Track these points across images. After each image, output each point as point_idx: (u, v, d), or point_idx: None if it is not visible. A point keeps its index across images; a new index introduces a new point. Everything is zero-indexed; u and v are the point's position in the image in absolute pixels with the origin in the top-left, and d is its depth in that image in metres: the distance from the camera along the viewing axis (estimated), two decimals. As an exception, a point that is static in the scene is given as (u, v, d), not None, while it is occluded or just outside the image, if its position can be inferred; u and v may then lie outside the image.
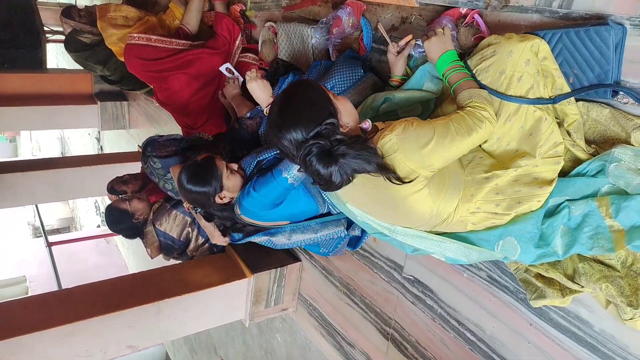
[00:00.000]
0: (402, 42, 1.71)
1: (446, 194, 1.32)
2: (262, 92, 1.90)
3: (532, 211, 1.33)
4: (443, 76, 1.45)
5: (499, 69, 1.32)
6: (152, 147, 2.40)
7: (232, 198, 1.91)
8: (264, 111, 1.90)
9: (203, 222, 2.13)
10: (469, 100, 1.32)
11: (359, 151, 1.19)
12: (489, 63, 1.34)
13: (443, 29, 1.48)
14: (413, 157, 1.22)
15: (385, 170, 1.21)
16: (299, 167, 1.27)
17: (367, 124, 1.32)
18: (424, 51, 1.61)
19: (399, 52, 1.71)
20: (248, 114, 2.24)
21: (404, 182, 1.22)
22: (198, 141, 2.49)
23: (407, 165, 1.22)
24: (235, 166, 1.93)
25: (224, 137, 2.59)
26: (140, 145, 2.52)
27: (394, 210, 1.35)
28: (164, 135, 2.51)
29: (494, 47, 1.34)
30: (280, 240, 2.00)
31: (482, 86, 1.37)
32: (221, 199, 1.88)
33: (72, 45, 3.55)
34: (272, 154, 1.91)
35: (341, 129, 1.25)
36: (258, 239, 2.03)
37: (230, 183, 1.88)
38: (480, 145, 1.43)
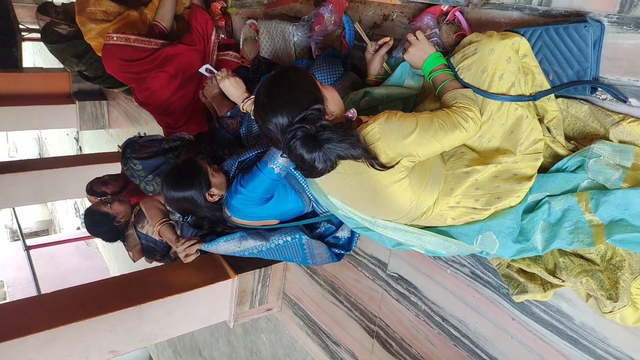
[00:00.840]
0: (380, 42, 1.70)
1: (426, 186, 1.33)
2: (235, 89, 1.88)
3: (511, 207, 1.34)
4: (429, 78, 1.47)
5: (481, 67, 1.33)
6: (132, 148, 2.36)
7: (221, 195, 1.88)
8: (241, 107, 1.88)
9: (175, 245, 2.04)
10: (454, 100, 1.34)
11: (343, 136, 1.19)
12: (471, 61, 1.35)
13: (416, 34, 1.49)
14: (394, 147, 1.23)
15: (370, 155, 1.21)
16: (282, 153, 1.27)
17: (352, 113, 1.32)
18: (400, 56, 1.64)
19: (375, 51, 1.71)
20: (228, 113, 2.21)
21: (386, 168, 1.22)
22: (179, 141, 2.45)
23: (387, 154, 1.23)
24: (216, 167, 1.90)
25: (205, 137, 2.56)
26: (120, 145, 2.47)
27: (374, 201, 1.35)
28: (143, 136, 2.46)
29: (476, 45, 1.35)
30: (229, 248, 1.95)
31: (464, 85, 1.37)
32: (211, 196, 1.85)
33: (48, 36, 3.46)
34: (253, 153, 1.90)
35: (327, 117, 1.24)
36: (216, 246, 1.98)
37: (217, 180, 1.85)
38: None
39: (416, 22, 1.68)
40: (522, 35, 1.35)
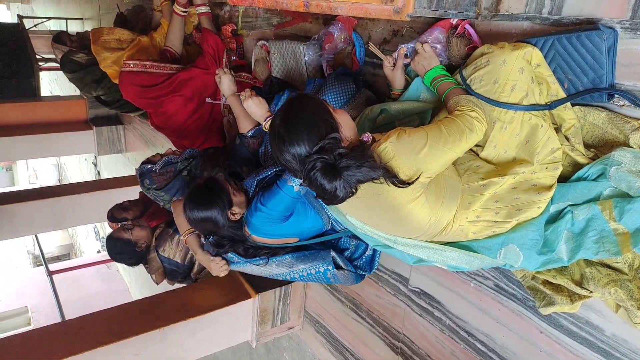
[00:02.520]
0: (395, 55, 1.72)
1: (444, 201, 1.32)
2: (258, 109, 1.90)
3: (533, 218, 1.32)
4: (432, 87, 1.51)
5: (493, 78, 1.33)
6: (150, 179, 2.38)
7: (242, 214, 1.89)
8: (264, 126, 1.90)
9: (199, 257, 2.08)
10: (457, 105, 1.35)
11: (361, 161, 1.20)
12: (483, 72, 1.35)
13: (423, 45, 1.53)
14: (409, 163, 1.23)
15: (390, 174, 1.21)
16: (301, 182, 1.27)
17: (367, 137, 1.32)
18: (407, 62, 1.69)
19: (394, 65, 1.72)
20: (251, 132, 2.23)
21: (407, 184, 1.22)
22: (191, 158, 2.47)
23: (404, 172, 1.23)
24: (236, 186, 1.92)
25: (222, 152, 2.57)
26: (136, 173, 2.49)
27: (393, 220, 1.34)
28: (156, 162, 2.45)
29: (487, 56, 1.35)
30: (254, 270, 1.98)
31: (475, 95, 1.37)
32: (233, 215, 1.86)
33: (67, 66, 3.56)
34: (272, 171, 1.91)
35: (342, 143, 1.25)
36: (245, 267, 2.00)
37: (238, 199, 1.87)
38: (478, 155, 1.43)
39: (424, 37, 1.69)
40: (534, 45, 1.35)
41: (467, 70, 1.42)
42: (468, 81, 1.39)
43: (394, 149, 1.23)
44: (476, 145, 1.44)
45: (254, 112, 1.91)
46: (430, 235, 1.38)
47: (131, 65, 2.57)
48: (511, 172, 1.33)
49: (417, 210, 1.29)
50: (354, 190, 1.23)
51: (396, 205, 1.28)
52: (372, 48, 1.79)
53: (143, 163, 2.48)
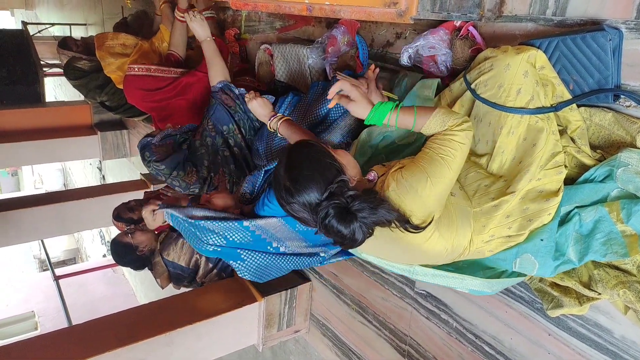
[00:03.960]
0: (366, 76, 1.67)
1: (457, 230, 1.30)
2: (262, 109, 1.90)
3: (544, 225, 1.31)
4: (390, 125, 1.33)
5: (497, 82, 1.32)
6: (150, 151, 2.38)
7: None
8: (268, 125, 1.90)
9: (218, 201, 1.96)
10: (442, 125, 1.24)
11: (375, 204, 1.16)
12: (488, 77, 1.34)
13: (342, 83, 1.37)
14: (418, 203, 1.20)
15: (403, 219, 1.18)
16: (316, 231, 1.21)
17: (373, 176, 1.30)
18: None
19: (367, 87, 1.66)
20: (220, 84, 2.24)
21: (420, 229, 1.18)
22: (190, 130, 2.47)
23: (416, 215, 1.20)
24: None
25: (203, 122, 2.52)
26: (137, 146, 2.49)
27: (410, 256, 1.34)
28: (156, 134, 2.44)
29: (491, 60, 1.34)
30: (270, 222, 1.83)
31: (480, 99, 1.36)
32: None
33: (71, 73, 3.59)
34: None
35: (350, 183, 1.21)
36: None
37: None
38: (486, 169, 1.41)
39: (429, 36, 1.68)
40: (538, 47, 1.35)
41: (471, 75, 1.41)
42: (473, 86, 1.39)
43: (397, 197, 1.20)
44: (482, 155, 1.42)
45: (259, 112, 1.91)
46: (448, 260, 1.38)
47: (136, 69, 2.58)
48: (518, 188, 1.31)
49: (433, 245, 1.28)
50: (371, 233, 1.19)
51: (412, 245, 1.27)
52: (339, 75, 1.63)
53: (144, 137, 2.48)
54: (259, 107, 1.90)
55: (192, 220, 1.78)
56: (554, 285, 1.45)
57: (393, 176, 1.24)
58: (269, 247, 1.90)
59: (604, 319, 1.41)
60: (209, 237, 1.79)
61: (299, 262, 1.96)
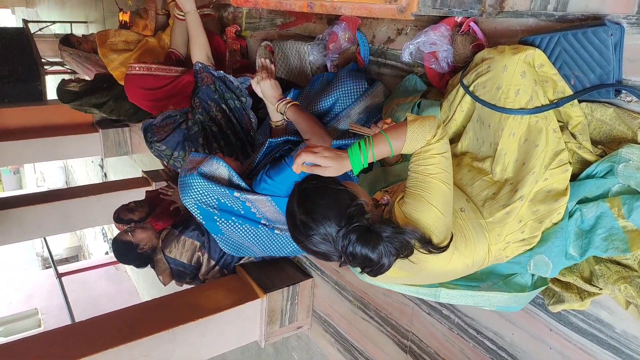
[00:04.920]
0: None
1: (475, 245, 1.28)
2: (274, 91, 1.89)
3: (554, 224, 1.32)
4: (370, 159, 1.21)
5: (495, 84, 1.31)
6: (151, 132, 2.40)
7: None
8: (276, 108, 1.89)
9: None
10: (414, 144, 1.18)
11: (396, 227, 1.12)
12: (485, 79, 1.33)
13: (309, 152, 1.21)
14: (426, 217, 1.17)
15: (425, 239, 1.14)
16: (340, 264, 1.15)
17: (386, 200, 1.29)
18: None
19: None
20: (199, 65, 2.27)
21: (441, 249, 1.16)
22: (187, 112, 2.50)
23: (434, 234, 1.17)
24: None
25: (192, 100, 2.54)
26: (140, 129, 2.51)
27: (433, 279, 1.35)
28: (157, 116, 2.49)
29: (488, 62, 1.33)
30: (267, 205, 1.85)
31: (480, 102, 1.36)
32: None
33: (64, 97, 3.62)
34: (284, 138, 1.92)
35: (367, 207, 1.17)
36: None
37: None
38: (491, 177, 1.40)
39: (430, 32, 1.68)
40: (539, 42, 1.35)
41: (468, 78, 1.40)
42: (471, 88, 1.37)
43: (405, 218, 1.18)
44: (485, 159, 1.41)
45: (269, 94, 1.89)
46: (471, 272, 1.37)
47: (137, 68, 2.58)
48: (526, 191, 1.30)
49: (455, 265, 1.27)
50: (398, 256, 1.13)
51: (436, 272, 1.27)
52: (354, 128, 1.55)
53: (146, 119, 2.51)
54: (271, 88, 1.89)
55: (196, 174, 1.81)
56: (555, 280, 1.45)
57: (398, 206, 1.21)
58: (259, 222, 1.91)
59: (606, 314, 1.42)
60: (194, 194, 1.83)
61: (287, 243, 1.96)
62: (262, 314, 2.64)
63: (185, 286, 2.80)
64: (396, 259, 1.13)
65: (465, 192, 1.39)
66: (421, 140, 1.16)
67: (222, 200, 1.86)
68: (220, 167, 1.85)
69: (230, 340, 2.66)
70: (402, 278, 1.31)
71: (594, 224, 1.30)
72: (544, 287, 1.45)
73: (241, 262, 2.78)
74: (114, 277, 9.34)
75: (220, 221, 1.92)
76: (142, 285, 8.20)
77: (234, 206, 1.86)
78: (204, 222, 1.94)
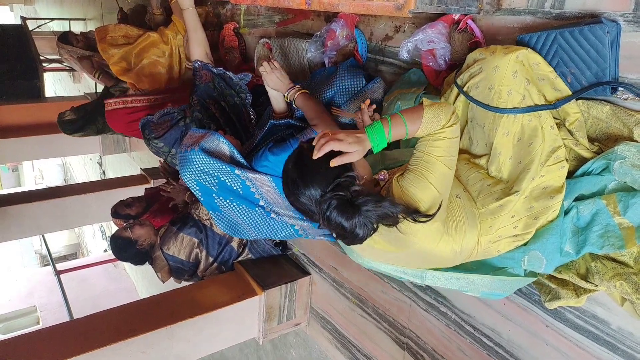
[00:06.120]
0: (362, 111, 1.45)
1: (465, 232, 1.30)
2: (283, 81, 1.90)
3: (550, 221, 1.32)
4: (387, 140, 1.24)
5: (488, 84, 1.32)
6: (149, 129, 2.40)
7: None
8: (286, 96, 1.90)
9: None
10: (429, 128, 1.21)
11: (379, 198, 1.16)
12: (478, 80, 1.34)
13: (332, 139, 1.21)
14: (421, 192, 1.20)
15: (410, 210, 1.17)
16: (319, 226, 1.22)
17: (383, 175, 1.31)
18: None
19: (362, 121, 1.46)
20: (197, 63, 2.25)
21: (430, 216, 1.18)
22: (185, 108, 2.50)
23: (423, 201, 1.19)
24: None
25: (190, 98, 2.52)
26: (139, 126, 2.52)
27: (421, 261, 1.35)
28: (156, 113, 2.47)
29: (480, 63, 1.34)
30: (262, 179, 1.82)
31: (474, 102, 1.36)
32: None
33: (66, 128, 3.58)
34: (287, 121, 1.93)
35: (358, 182, 1.20)
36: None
37: None
38: (487, 173, 1.41)
39: (428, 29, 1.68)
40: (535, 42, 1.35)
41: (462, 78, 1.41)
42: (465, 89, 1.38)
43: (401, 187, 1.21)
44: (481, 156, 1.42)
45: (278, 85, 1.89)
46: (456, 262, 1.38)
47: (113, 104, 2.63)
48: (523, 187, 1.31)
49: (443, 248, 1.28)
50: (374, 229, 1.18)
51: (424, 252, 1.28)
52: (336, 111, 1.68)
53: (144, 116, 2.51)
54: (279, 79, 1.89)
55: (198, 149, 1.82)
56: (552, 277, 1.46)
57: (397, 181, 1.23)
58: (257, 203, 1.92)
59: (601, 310, 1.42)
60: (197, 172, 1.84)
61: (282, 227, 1.97)
62: (260, 311, 2.65)
63: (184, 283, 2.81)
64: (374, 230, 1.17)
65: (462, 182, 1.41)
66: (436, 125, 1.19)
67: (222, 179, 1.86)
68: (221, 144, 1.86)
69: (228, 337, 2.67)
70: (389, 254, 1.32)
71: (590, 221, 1.30)
72: (531, 279, 1.44)
73: (239, 259, 2.79)
74: (112, 274, 9.35)
75: (219, 199, 1.93)
76: (141, 282, 8.20)
77: (233, 185, 1.87)
78: (202, 199, 1.94)
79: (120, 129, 2.73)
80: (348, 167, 1.20)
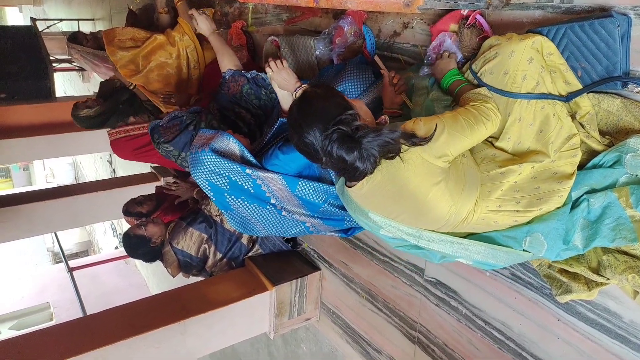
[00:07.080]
0: (396, 81, 1.72)
1: (464, 189, 1.32)
2: (291, 79, 1.89)
3: (557, 208, 1.32)
4: (446, 88, 1.56)
5: (503, 69, 1.34)
6: (158, 133, 2.41)
7: None
8: (294, 95, 1.90)
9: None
10: (469, 99, 1.38)
11: (379, 130, 1.20)
12: (492, 65, 1.35)
13: (449, 55, 1.62)
14: (427, 150, 1.24)
15: (408, 135, 1.21)
16: (322, 165, 1.27)
17: (384, 119, 1.33)
18: (428, 72, 1.71)
19: (393, 85, 1.71)
20: (230, 72, 2.27)
21: (427, 140, 1.22)
22: (196, 112, 2.51)
23: (422, 157, 1.24)
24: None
25: (210, 105, 2.55)
26: (148, 131, 2.54)
27: (415, 210, 1.34)
28: (163, 116, 2.48)
29: (496, 48, 1.36)
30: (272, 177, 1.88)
31: (487, 87, 1.38)
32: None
33: (82, 123, 3.55)
34: None
35: (359, 120, 1.25)
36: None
37: None
38: (493, 145, 1.43)
39: (439, 26, 1.68)
40: (546, 34, 1.35)
41: (476, 64, 1.42)
42: (479, 74, 1.40)
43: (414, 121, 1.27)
44: (490, 137, 1.44)
45: (285, 84, 1.90)
46: (451, 225, 1.37)
47: (114, 134, 2.68)
48: (530, 160, 1.33)
49: (438, 198, 1.29)
50: (376, 162, 1.23)
51: (418, 194, 1.28)
52: (378, 60, 1.81)
53: (153, 120, 2.54)
54: (287, 77, 1.90)
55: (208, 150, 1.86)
56: (563, 271, 1.46)
57: (411, 121, 1.29)
58: (268, 202, 1.94)
59: (613, 303, 1.43)
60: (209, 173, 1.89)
61: (293, 224, 2.00)
62: (271, 306, 2.68)
63: (195, 279, 2.84)
64: (376, 163, 1.23)
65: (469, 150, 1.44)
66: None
67: (233, 178, 1.89)
68: (231, 144, 1.89)
69: (239, 332, 2.70)
70: (386, 200, 1.32)
71: (600, 214, 1.30)
72: (527, 256, 1.42)
73: (249, 254, 2.81)
74: (123, 271, 9.42)
75: (230, 198, 1.96)
76: (152, 279, 8.27)
77: (244, 184, 1.90)
78: (214, 198, 1.98)
79: (127, 156, 2.81)
80: (348, 106, 1.25)
